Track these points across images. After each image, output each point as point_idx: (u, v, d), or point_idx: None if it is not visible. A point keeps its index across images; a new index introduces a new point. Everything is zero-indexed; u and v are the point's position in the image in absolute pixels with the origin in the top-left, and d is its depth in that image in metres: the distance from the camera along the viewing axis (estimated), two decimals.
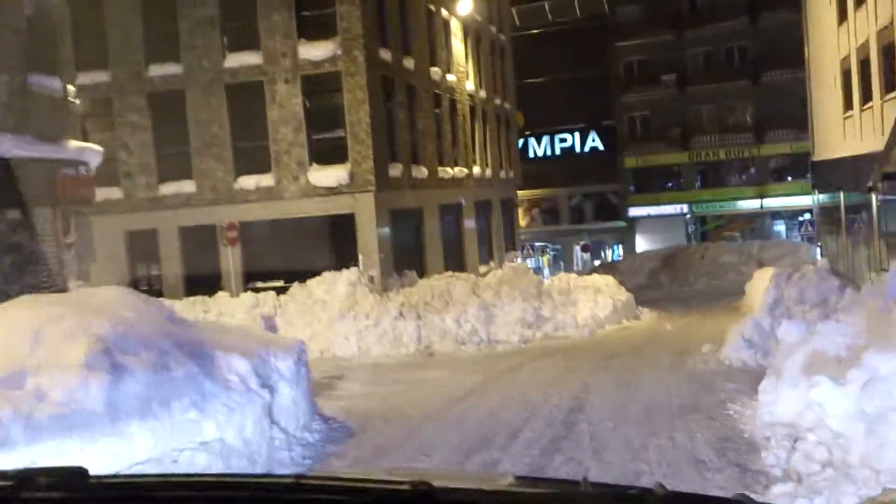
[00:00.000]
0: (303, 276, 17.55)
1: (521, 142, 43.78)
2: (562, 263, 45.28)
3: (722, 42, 39.44)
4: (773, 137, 38.68)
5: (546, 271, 45.23)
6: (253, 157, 17.89)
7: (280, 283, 17.80)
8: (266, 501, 1.57)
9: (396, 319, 17.17)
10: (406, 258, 19.29)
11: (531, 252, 26.24)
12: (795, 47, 37.96)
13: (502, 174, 29.70)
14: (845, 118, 22.36)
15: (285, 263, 17.95)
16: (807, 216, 40.04)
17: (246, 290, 17.82)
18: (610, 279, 25.24)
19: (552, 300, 20.98)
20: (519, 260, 45.06)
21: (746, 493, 1.63)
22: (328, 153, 17.64)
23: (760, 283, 24.67)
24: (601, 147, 43.00)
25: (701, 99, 39.95)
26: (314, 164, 17.77)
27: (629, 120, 41.88)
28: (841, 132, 22.86)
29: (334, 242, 17.68)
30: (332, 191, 17.64)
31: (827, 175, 25.43)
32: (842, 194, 23.56)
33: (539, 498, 1.59)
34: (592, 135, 43.09)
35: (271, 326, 7.91)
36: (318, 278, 17.61)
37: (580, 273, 32.02)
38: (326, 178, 17.59)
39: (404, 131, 19.58)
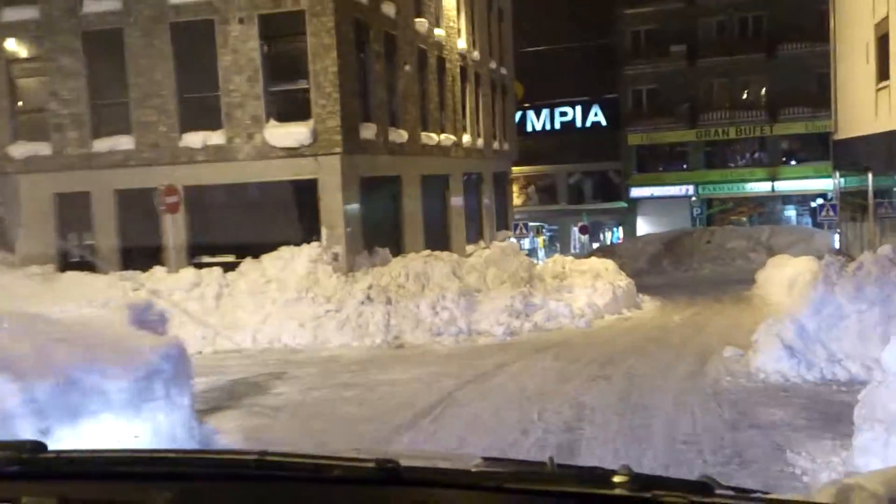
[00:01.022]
0: (257, 250, 15.12)
1: (518, 114, 41.17)
2: (558, 245, 42.89)
3: (736, 11, 36.74)
4: (786, 116, 36.14)
5: (541, 253, 42.87)
6: (201, 110, 15.38)
7: (230, 258, 15.36)
8: (229, 478, 1.55)
9: (362, 304, 14.76)
10: (379, 234, 16.84)
11: (525, 232, 23.78)
12: (814, 19, 35.41)
13: (496, 146, 27.19)
14: (879, 90, 19.87)
15: (237, 235, 15.50)
16: (820, 200, 37.66)
17: (191, 264, 15.37)
18: (610, 263, 22.88)
19: (545, 286, 18.58)
20: (512, 240, 42.70)
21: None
22: (288, 108, 15.13)
23: (774, 272, 22.30)
24: (604, 122, 40.44)
25: (712, 72, 37.34)
26: (272, 121, 15.25)
27: (634, 93, 39.28)
28: (872, 106, 20.37)
29: (294, 213, 15.22)
30: (292, 152, 15.15)
31: (852, 155, 22.97)
32: (870, 176, 21.12)
33: (504, 477, 1.56)
34: (595, 109, 40.51)
35: (148, 320, 5.69)
36: (273, 254, 15.18)
37: (577, 256, 29.70)
38: (286, 136, 15.08)
39: (380, 87, 17.03)
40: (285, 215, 15.28)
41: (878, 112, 20.11)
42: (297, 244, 15.02)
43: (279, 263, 15.09)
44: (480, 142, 25.09)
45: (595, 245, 39.98)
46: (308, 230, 15.21)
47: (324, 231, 15.15)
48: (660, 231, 35.50)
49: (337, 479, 1.53)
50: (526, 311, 16.62)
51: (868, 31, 20.70)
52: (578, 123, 40.85)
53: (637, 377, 9.73)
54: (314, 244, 15.17)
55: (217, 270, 14.65)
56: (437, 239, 20.46)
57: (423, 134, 19.71)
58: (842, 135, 24.80)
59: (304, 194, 15.18)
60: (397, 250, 17.61)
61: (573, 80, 39.76)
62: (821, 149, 36.33)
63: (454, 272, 16.48)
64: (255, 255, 15.10)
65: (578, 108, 40.72)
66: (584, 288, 19.86)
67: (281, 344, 13.78)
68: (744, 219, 38.73)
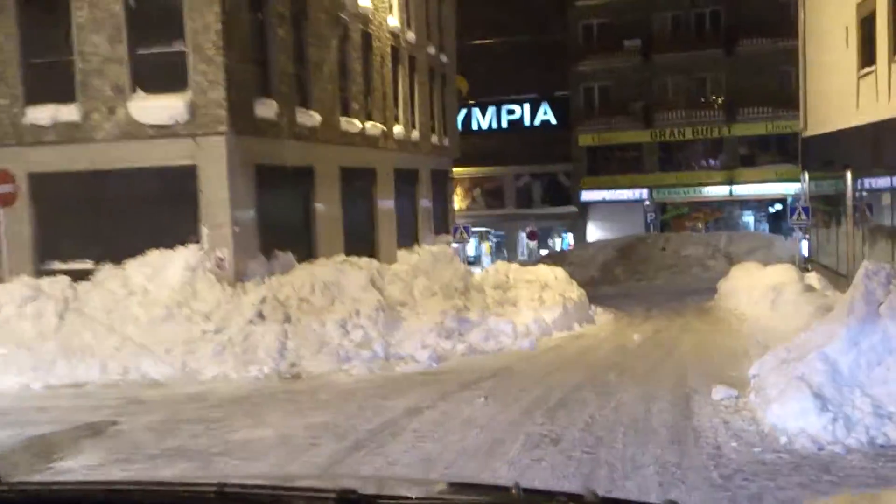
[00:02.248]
0: (120, 254, 11.96)
1: (463, 112, 38.49)
2: (505, 252, 40.28)
3: (692, 5, 34.67)
4: (745, 116, 34.15)
5: (487, 260, 40.20)
6: (50, 77, 12.19)
7: (87, 265, 12.14)
8: None
9: (251, 323, 11.71)
10: (282, 235, 13.79)
11: (465, 236, 20.97)
12: (775, 13, 33.52)
13: (434, 140, 24.35)
14: (862, 77, 17.60)
15: (95, 236, 12.29)
16: (779, 206, 35.86)
17: (38, 271, 12.11)
18: (559, 272, 20.24)
19: (484, 298, 15.77)
20: (455, 245, 39.91)
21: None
22: (160, 75, 12.00)
23: (739, 282, 19.90)
24: (554, 121, 37.99)
25: (667, 69, 35.18)
26: (139, 91, 12.12)
27: (586, 91, 36.90)
28: (852, 96, 18.11)
29: (167, 208, 12.07)
30: (164, 131, 12.05)
31: (825, 152, 20.75)
32: (849, 175, 18.85)
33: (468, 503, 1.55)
34: (544, 107, 38.05)
35: None
36: (141, 259, 12.02)
37: (525, 263, 27.07)
38: (156, 111, 11.96)
39: (285, 58, 14.01)
40: (156, 211, 12.13)
41: (860, 102, 17.84)
42: (171, 247, 11.90)
43: (147, 271, 11.95)
44: (416, 134, 22.21)
45: (544, 252, 37.46)
46: (186, 230, 12.08)
47: (204, 231, 12.06)
48: (612, 237, 33.15)
49: None
50: (459, 330, 13.77)
51: (848, 13, 18.46)
52: (527, 122, 38.33)
53: (600, 439, 6.85)
54: (193, 247, 12.06)
55: (63, 280, 11.43)
56: (362, 243, 17.51)
57: (344, 119, 16.73)
58: (812, 131, 22.62)
59: (181, 184, 12.06)
60: (308, 255, 14.59)
61: (522, 76, 37.24)
62: (782, 151, 34.47)
63: (373, 282, 13.53)
64: (118, 261, 11.93)
65: (527, 106, 38.20)
66: (531, 301, 17.16)
67: (139, 375, 10.62)
68: (699, 225, 36.64)
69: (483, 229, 41.41)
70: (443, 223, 24.91)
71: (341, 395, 9.38)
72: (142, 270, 11.94)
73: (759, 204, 36.63)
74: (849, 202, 18.93)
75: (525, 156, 37.48)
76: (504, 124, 38.54)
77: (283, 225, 14.03)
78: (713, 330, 16.09)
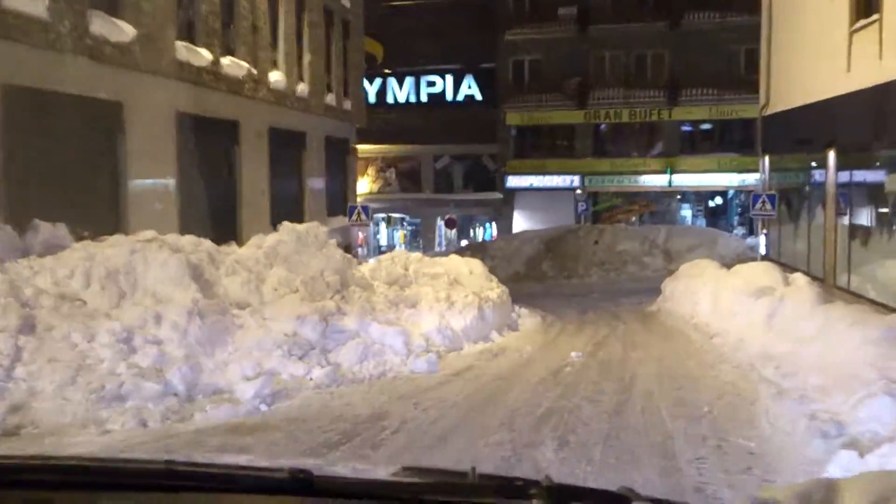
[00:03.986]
0: None
1: (377, 82, 34.12)
2: (420, 241, 36.10)
3: None
4: (688, 98, 30.86)
5: (401, 250, 35.89)
6: None
7: None
8: (134, 488, 1.51)
9: None
10: (58, 198, 9.15)
11: (364, 218, 16.61)
12: None
13: (330, 100, 19.87)
14: (855, 31, 14.07)
15: None
16: (717, 199, 32.88)
17: None
18: (476, 265, 16.21)
19: (369, 298, 11.47)
20: (361, 236, 35.38)
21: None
22: None
23: (690, 283, 16.21)
24: (478, 96, 33.96)
25: (605, 43, 31.58)
26: None
27: (515, 64, 32.98)
28: (841, 58, 14.58)
29: None
30: None
31: (799, 130, 17.26)
32: (831, 156, 15.33)
33: (423, 488, 1.53)
34: (468, 80, 33.95)
35: None
36: None
37: (439, 254, 22.99)
38: None
39: None
40: None
41: (852, 64, 14.30)
42: None
43: None
44: (303, 88, 17.69)
45: (464, 242, 33.49)
46: None
47: None
48: (540, 228, 29.38)
49: (248, 489, 1.48)
50: (324, 346, 9.43)
51: None
52: (449, 97, 34.16)
53: None
54: None
55: None
56: (217, 221, 12.99)
57: (181, 44, 12.08)
58: (776, 108, 19.15)
59: None
60: (111, 229, 9.97)
61: (444, 44, 33.08)
62: (725, 138, 31.37)
63: (195, 273, 9.04)
64: None
65: (449, 79, 34.01)
66: (436, 302, 13.00)
67: None
68: (633, 218, 33.28)
69: (397, 215, 37.14)
70: (341, 203, 20.48)
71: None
72: None
73: (698, 197, 33.53)
74: (830, 189, 15.43)
75: (446, 134, 33.38)
76: (423, 98, 34.29)
77: (58, 183, 9.37)
78: (671, 346, 12.24)
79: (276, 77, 15.85)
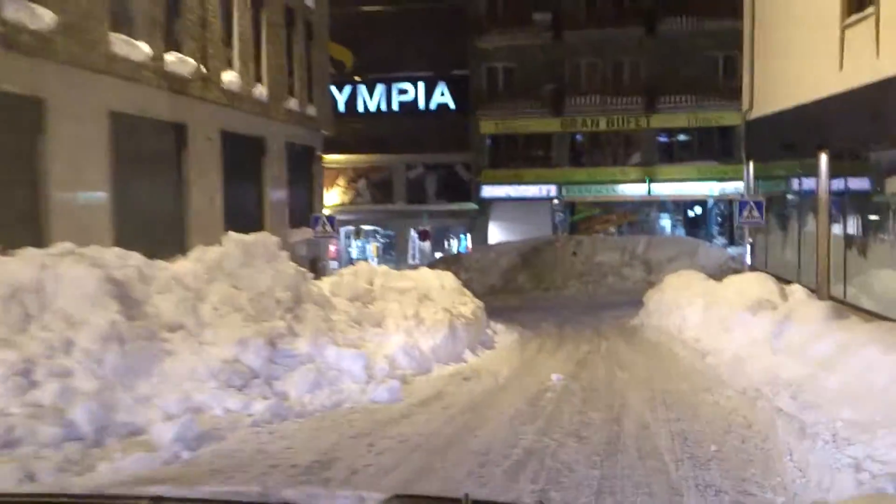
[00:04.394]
0: None
1: (348, 89, 33.03)
2: (393, 254, 34.90)
3: None
4: (666, 105, 30.07)
5: (374, 263, 34.65)
6: None
7: None
8: None
9: None
10: None
11: (329, 230, 15.44)
12: None
13: (292, 105, 18.70)
14: (848, 26, 13.20)
15: None
16: (696, 208, 32.04)
17: None
18: (448, 278, 15.14)
19: (326, 316, 10.30)
20: (333, 249, 34.14)
21: None
22: None
23: (674, 295, 15.22)
24: (452, 104, 32.93)
25: (581, 49, 30.74)
26: None
27: (489, 71, 32.02)
28: (833, 55, 13.70)
29: None
30: None
31: (786, 133, 16.37)
32: (824, 159, 14.44)
33: None
34: (441, 87, 32.92)
35: None
36: None
37: (413, 267, 21.83)
38: None
39: None
40: None
41: (844, 62, 13.42)
42: None
43: None
44: (261, 91, 16.51)
45: (438, 255, 32.33)
46: None
47: None
48: (516, 239, 28.34)
49: None
50: (271, 373, 8.24)
51: None
52: (421, 105, 33.09)
53: None
54: None
55: None
56: (161, 233, 11.75)
57: (117, 35, 10.86)
58: (761, 111, 18.29)
59: None
60: (29, 242, 8.69)
61: (416, 51, 32.03)
62: (706, 146, 30.61)
63: (121, 291, 7.80)
64: None
65: (421, 86, 32.96)
66: (403, 319, 11.90)
67: None
68: (612, 229, 32.36)
69: (369, 227, 35.92)
70: (307, 214, 19.26)
71: None
72: None
73: (677, 206, 32.72)
74: (822, 194, 14.51)
75: (418, 143, 32.28)
76: (394, 106, 33.17)
77: None
78: (659, 365, 11.21)
79: (229, 77, 14.66)
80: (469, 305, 14.09)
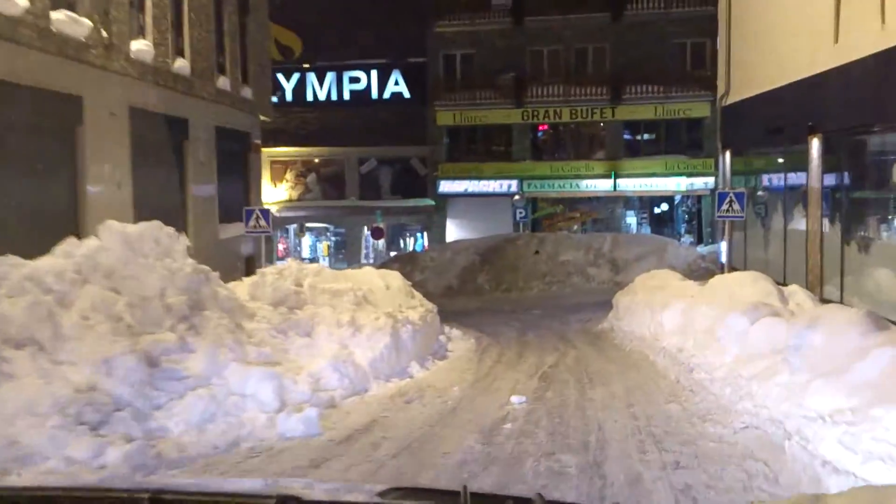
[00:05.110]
0: None
1: (296, 77, 30.98)
2: (344, 253, 32.93)
3: None
4: (632, 96, 28.60)
5: (325, 263, 32.63)
6: None
7: None
8: None
9: None
10: None
11: (263, 224, 13.34)
12: None
13: (223, 85, 16.66)
14: None
15: None
16: (663, 205, 30.64)
17: None
18: (395, 278, 13.32)
19: (236, 326, 8.35)
20: (281, 248, 32.05)
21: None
22: None
23: (648, 297, 13.58)
24: (407, 94, 31.10)
25: (543, 36, 29.13)
26: None
27: (446, 59, 30.23)
28: (827, 27, 12.16)
29: None
30: None
31: (770, 117, 14.83)
32: (815, 144, 12.90)
33: None
34: (395, 76, 31.06)
35: None
36: None
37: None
38: None
39: None
40: None
41: (840, 33, 11.89)
42: None
43: None
44: (183, 65, 14.45)
45: (394, 254, 30.46)
46: None
47: None
48: (476, 237, 26.62)
49: None
50: (146, 403, 6.39)
51: None
52: (374, 94, 31.18)
53: None
54: None
55: None
56: (45, 224, 9.69)
57: None
58: (740, 95, 16.76)
59: None
60: None
61: (369, 37, 30.10)
62: (673, 139, 29.21)
63: None
64: None
65: (374, 74, 31.04)
66: (337, 327, 10.04)
67: None
68: (575, 227, 30.82)
69: (320, 225, 33.87)
70: (242, 207, 17.17)
71: None
72: None
73: (643, 203, 31.31)
74: (814, 184, 12.96)
75: (371, 135, 30.37)
76: (346, 96, 31.22)
77: None
78: (638, 380, 9.52)
79: (140, 46, 12.58)
80: (419, 309, 12.27)
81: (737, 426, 6.27)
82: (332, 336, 9.75)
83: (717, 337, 9.14)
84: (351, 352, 9.46)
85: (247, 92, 18.17)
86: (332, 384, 8.62)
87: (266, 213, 15.14)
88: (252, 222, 14.94)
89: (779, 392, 6.06)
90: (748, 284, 9.83)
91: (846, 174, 12.24)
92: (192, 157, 15.08)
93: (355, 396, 8.60)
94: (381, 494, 1.58)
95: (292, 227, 32.62)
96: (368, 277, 12.51)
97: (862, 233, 11.68)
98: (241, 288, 10.09)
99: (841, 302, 11.56)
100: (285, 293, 10.19)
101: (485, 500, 1.57)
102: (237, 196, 17.65)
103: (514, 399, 8.24)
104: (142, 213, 12.83)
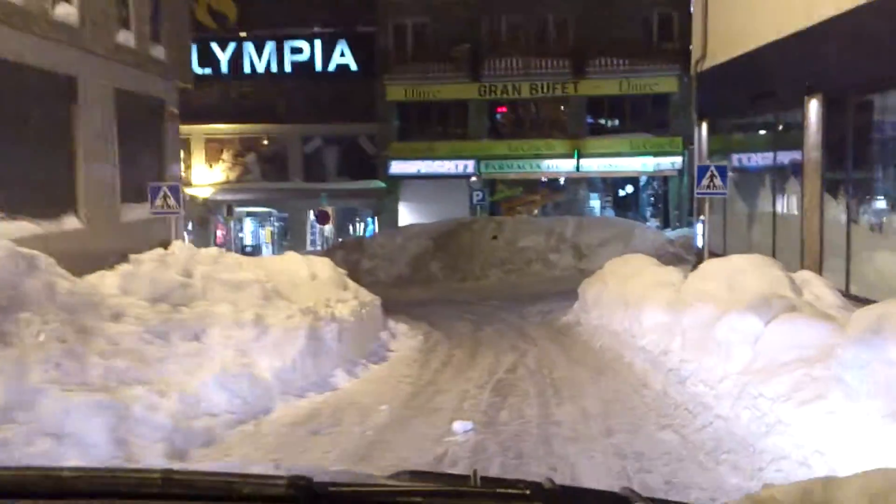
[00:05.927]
0: None
1: (232, 47, 28.44)
2: (288, 239, 30.54)
3: None
4: (596, 70, 26.68)
5: (267, 251, 30.26)
6: None
7: None
8: (130, 496, 1.47)
9: None
10: None
11: (171, 204, 10.97)
12: None
13: (127, 41, 14.25)
14: None
15: None
16: (628, 187, 28.87)
17: None
18: (325, 265, 11.21)
19: (80, 331, 6.04)
20: (220, 234, 29.51)
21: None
22: None
23: (624, 290, 11.62)
24: (354, 66, 28.72)
25: (501, 5, 27.04)
26: None
27: (397, 29, 27.96)
28: None
29: None
30: None
31: (756, 80, 12.93)
32: (814, 103, 11.02)
33: (425, 493, 1.51)
34: (342, 46, 28.65)
35: None
36: None
37: (317, 256, 17.66)
38: None
39: None
40: None
41: None
42: None
43: None
44: (67, 12, 12.01)
45: (341, 240, 28.22)
46: None
47: None
48: (430, 221, 24.53)
49: (247, 497, 1.45)
50: None
51: None
52: (318, 66, 28.73)
53: None
54: None
55: None
56: None
57: None
58: (720, 58, 14.85)
59: None
60: None
61: (313, 3, 27.67)
62: (639, 116, 27.40)
63: None
64: None
65: (318, 44, 28.58)
66: (238, 328, 7.84)
67: None
68: (535, 210, 28.93)
69: (263, 209, 31.43)
70: (150, 184, 14.78)
71: None
72: None
73: (606, 185, 29.50)
74: (811, 154, 11.09)
75: (316, 111, 28.02)
76: (287, 67, 28.73)
77: None
78: (617, 391, 7.63)
79: None
80: (351, 303, 10.15)
81: (772, 475, 4.28)
82: (228, 340, 7.59)
83: (716, 338, 7.18)
84: (250, 361, 7.33)
85: (158, 51, 15.75)
86: (218, 407, 6.51)
87: (176, 189, 12.82)
88: (159, 201, 12.62)
89: (835, 427, 4.07)
90: (750, 271, 7.89)
91: (852, 141, 10.39)
92: (83, 124, 12.68)
93: (249, 424, 6.48)
94: (393, 476, 1.61)
95: (237, 212, 30.15)
96: (287, 266, 10.32)
97: (874, 209, 9.85)
98: (110, 280, 7.84)
99: (846, 292, 9.74)
100: (168, 286, 7.96)
101: (495, 484, 1.57)
102: (149, 173, 15.23)
103: (458, 426, 6.18)
104: (11, 192, 10.49)
